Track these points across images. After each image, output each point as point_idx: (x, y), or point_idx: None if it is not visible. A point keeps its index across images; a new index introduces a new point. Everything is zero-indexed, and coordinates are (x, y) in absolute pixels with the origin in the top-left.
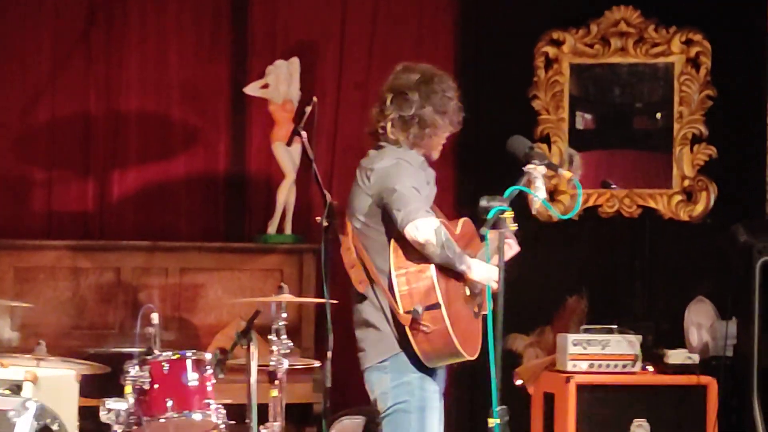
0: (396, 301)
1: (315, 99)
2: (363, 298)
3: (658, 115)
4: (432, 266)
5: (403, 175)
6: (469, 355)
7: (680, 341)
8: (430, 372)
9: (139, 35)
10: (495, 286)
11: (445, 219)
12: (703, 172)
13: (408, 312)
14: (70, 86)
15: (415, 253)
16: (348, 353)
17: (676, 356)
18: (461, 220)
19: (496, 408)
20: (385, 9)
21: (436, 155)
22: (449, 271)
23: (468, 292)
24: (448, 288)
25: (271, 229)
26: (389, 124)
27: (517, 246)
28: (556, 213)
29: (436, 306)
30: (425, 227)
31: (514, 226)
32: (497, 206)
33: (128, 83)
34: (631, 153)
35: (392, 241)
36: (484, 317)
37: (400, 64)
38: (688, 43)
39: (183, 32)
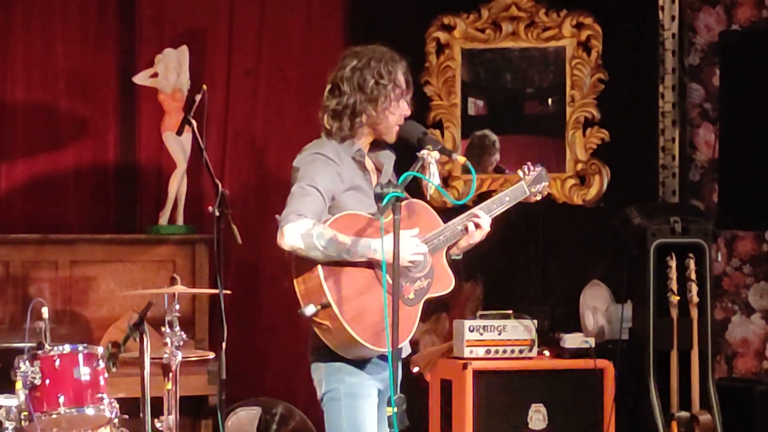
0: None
1: (205, 87)
2: None
3: (550, 101)
4: (319, 266)
5: (307, 173)
6: (383, 347)
7: (576, 325)
8: (363, 361)
9: (24, 24)
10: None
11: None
12: (596, 156)
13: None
14: None
15: None
16: (242, 344)
17: (572, 340)
18: (408, 201)
19: (393, 396)
20: None
21: (389, 139)
22: (357, 264)
23: (391, 280)
24: (351, 282)
25: (163, 219)
26: (326, 115)
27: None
28: (450, 198)
29: (327, 304)
30: (290, 234)
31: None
32: (392, 192)
33: (14, 73)
34: (523, 138)
35: None
36: (433, 301)
37: (348, 49)
38: (579, 26)
39: (69, 20)
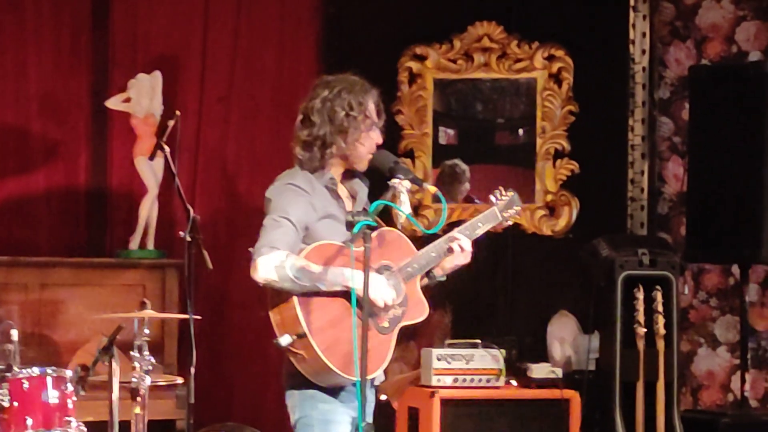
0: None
1: (178, 113)
2: None
3: (520, 131)
4: (295, 297)
5: (279, 204)
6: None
7: (543, 355)
8: (337, 389)
9: None
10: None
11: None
12: (565, 187)
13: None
14: None
15: None
16: (211, 369)
17: (539, 370)
18: (380, 230)
19: (362, 424)
20: (247, 22)
21: (361, 167)
22: (332, 294)
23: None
24: (326, 312)
25: (133, 244)
26: (297, 146)
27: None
28: (420, 227)
29: (303, 335)
30: (263, 267)
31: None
32: (362, 221)
33: None
34: (493, 168)
35: None
36: (403, 329)
37: (319, 78)
38: (551, 58)
39: (42, 43)
